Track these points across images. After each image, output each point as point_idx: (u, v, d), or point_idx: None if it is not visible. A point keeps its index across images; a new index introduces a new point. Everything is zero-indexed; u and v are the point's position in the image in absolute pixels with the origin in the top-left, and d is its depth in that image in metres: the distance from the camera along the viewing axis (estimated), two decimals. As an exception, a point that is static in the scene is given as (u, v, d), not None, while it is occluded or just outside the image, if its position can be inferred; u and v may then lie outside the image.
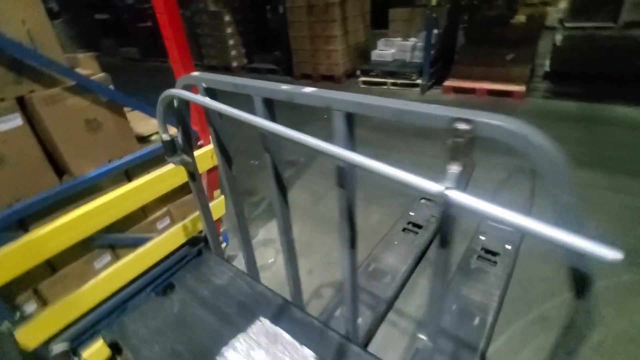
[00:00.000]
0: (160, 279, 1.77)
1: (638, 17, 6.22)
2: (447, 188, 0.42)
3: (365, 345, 1.64)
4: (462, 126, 0.41)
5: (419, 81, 4.92)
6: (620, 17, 6.23)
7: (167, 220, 1.95)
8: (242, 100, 0.66)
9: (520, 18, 4.55)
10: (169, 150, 0.92)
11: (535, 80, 4.74)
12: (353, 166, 0.59)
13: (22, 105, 1.33)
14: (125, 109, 1.69)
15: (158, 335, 0.84)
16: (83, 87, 1.47)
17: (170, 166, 1.70)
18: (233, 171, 0.88)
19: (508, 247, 2.00)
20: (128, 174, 1.70)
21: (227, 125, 0.82)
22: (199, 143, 1.88)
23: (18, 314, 1.39)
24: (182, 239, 1.93)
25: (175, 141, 0.92)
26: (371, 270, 1.99)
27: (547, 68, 4.83)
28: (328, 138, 0.56)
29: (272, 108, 0.65)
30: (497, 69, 4.34)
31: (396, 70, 5.14)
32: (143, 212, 1.83)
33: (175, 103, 0.86)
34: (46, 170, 1.44)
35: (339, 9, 5.20)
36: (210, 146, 1.84)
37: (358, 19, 5.79)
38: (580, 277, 0.43)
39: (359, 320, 1.56)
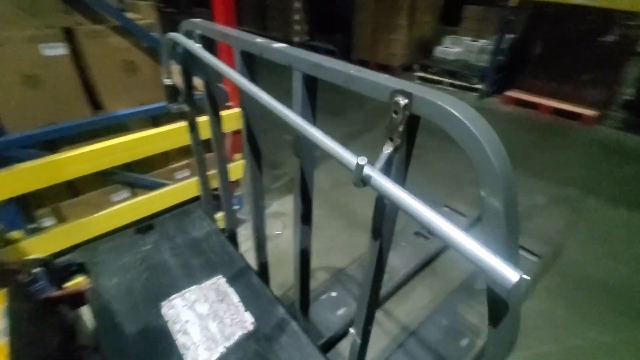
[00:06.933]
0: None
1: None
2: (360, 163, 0.36)
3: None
4: (401, 100, 0.35)
5: (478, 86, 4.59)
6: None
7: (186, 172, 2.04)
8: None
9: (610, 38, 4.01)
10: (170, 95, 0.93)
11: (612, 107, 4.20)
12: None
13: (71, 37, 1.44)
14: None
15: (121, 269, 0.88)
16: (126, 29, 1.54)
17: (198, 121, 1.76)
18: (255, 133, 0.83)
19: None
20: (155, 120, 1.78)
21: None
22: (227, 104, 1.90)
23: (35, 225, 1.54)
24: (195, 192, 1.99)
25: (177, 88, 0.93)
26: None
27: (628, 97, 4.24)
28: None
29: (251, 63, 0.62)
30: (569, 87, 3.91)
31: (457, 71, 4.83)
32: (166, 158, 1.92)
33: (180, 49, 0.86)
34: (81, 100, 1.54)
35: (409, -3, 4.95)
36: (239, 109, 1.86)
37: (428, 11, 5.48)
38: (496, 301, 0.36)
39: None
